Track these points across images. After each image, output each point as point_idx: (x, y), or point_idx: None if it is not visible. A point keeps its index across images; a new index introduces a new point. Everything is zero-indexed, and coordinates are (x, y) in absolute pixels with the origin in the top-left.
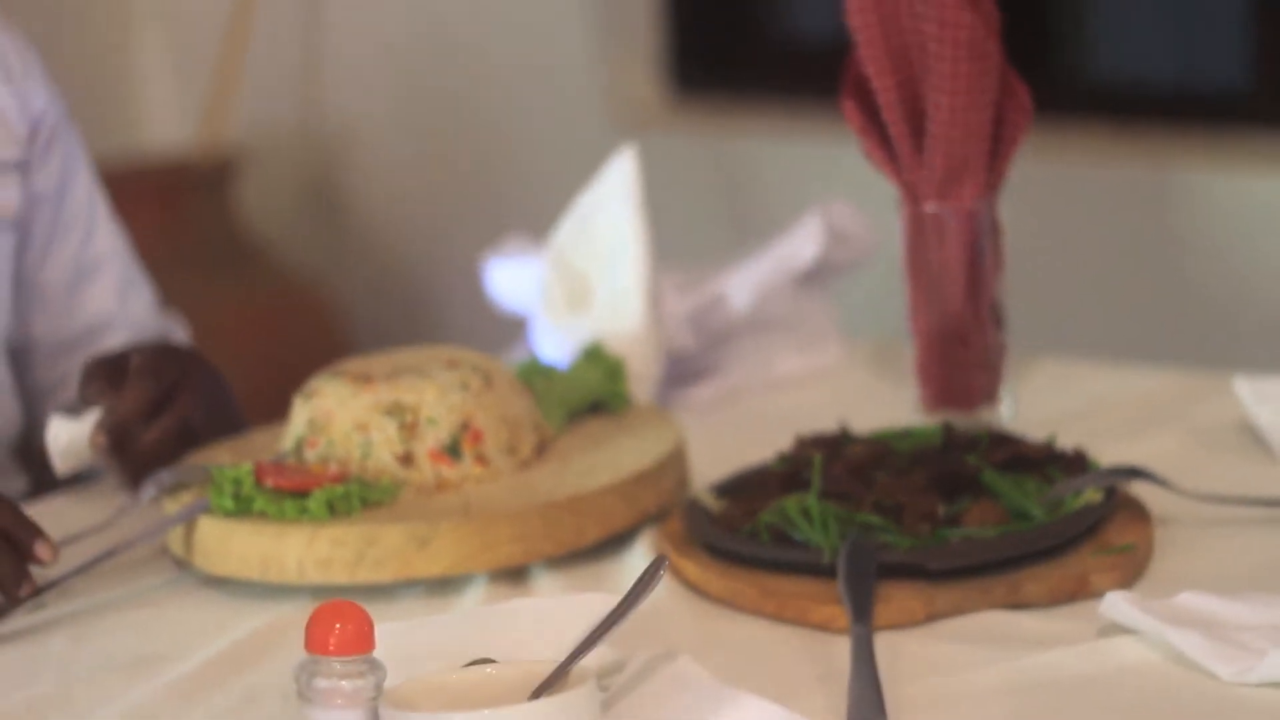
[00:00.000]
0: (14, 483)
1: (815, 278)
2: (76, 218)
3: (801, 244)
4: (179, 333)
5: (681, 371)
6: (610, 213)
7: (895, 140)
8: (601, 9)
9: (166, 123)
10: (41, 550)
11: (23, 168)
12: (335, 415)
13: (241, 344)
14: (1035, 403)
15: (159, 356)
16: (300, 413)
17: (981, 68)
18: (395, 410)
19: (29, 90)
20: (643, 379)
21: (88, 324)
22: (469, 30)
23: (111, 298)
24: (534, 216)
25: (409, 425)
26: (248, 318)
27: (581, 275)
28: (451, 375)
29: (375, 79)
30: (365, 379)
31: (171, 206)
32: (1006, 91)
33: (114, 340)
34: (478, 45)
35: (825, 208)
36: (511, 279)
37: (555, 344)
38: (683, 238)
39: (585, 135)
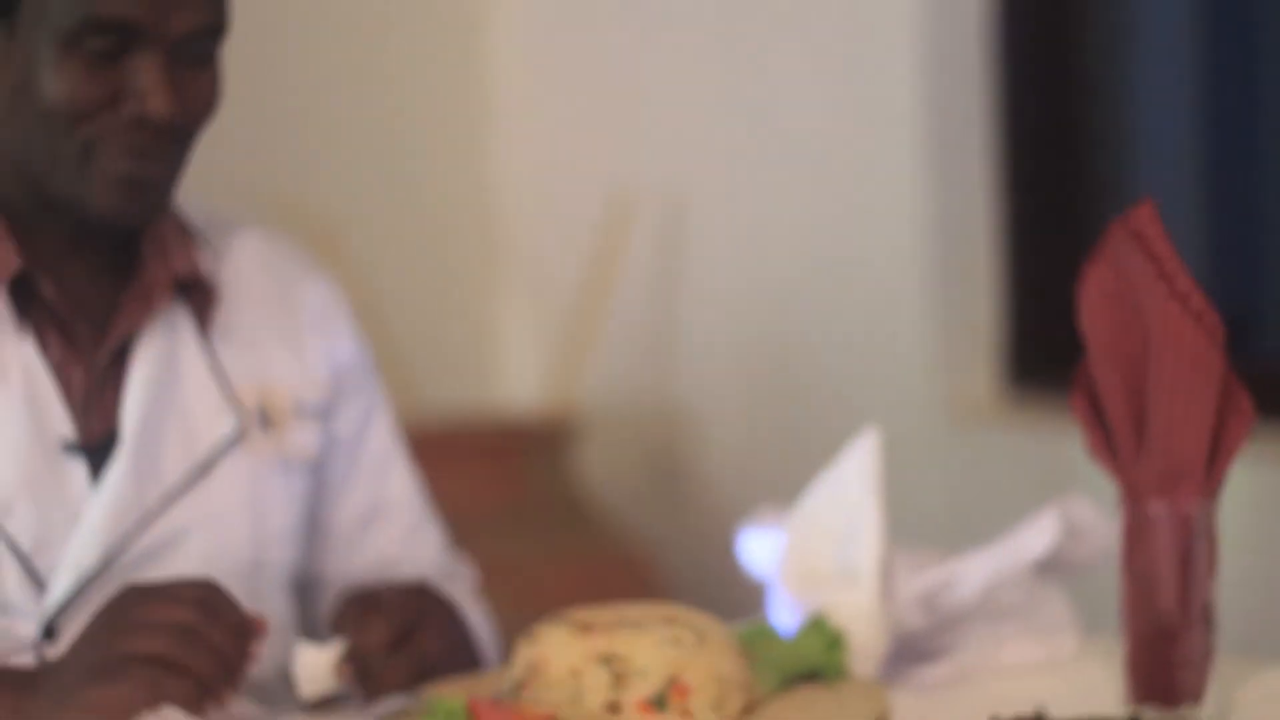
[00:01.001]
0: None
1: (1052, 570)
2: (372, 463)
3: (1035, 536)
4: (463, 576)
5: (911, 651)
6: (849, 492)
7: (1118, 439)
8: (941, 305)
9: (521, 382)
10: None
11: (324, 413)
12: (552, 660)
13: (569, 606)
14: (1248, 711)
15: (406, 595)
16: (522, 655)
17: (1203, 377)
18: (608, 659)
19: (335, 340)
20: (868, 655)
21: (373, 565)
22: (810, 323)
23: (398, 541)
24: None
25: (619, 675)
26: (578, 581)
27: (818, 550)
28: (666, 630)
29: (722, 362)
30: (585, 627)
31: (514, 464)
32: (1228, 398)
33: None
34: (819, 338)
35: (1064, 503)
36: (761, 548)
37: (789, 613)
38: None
39: (922, 432)
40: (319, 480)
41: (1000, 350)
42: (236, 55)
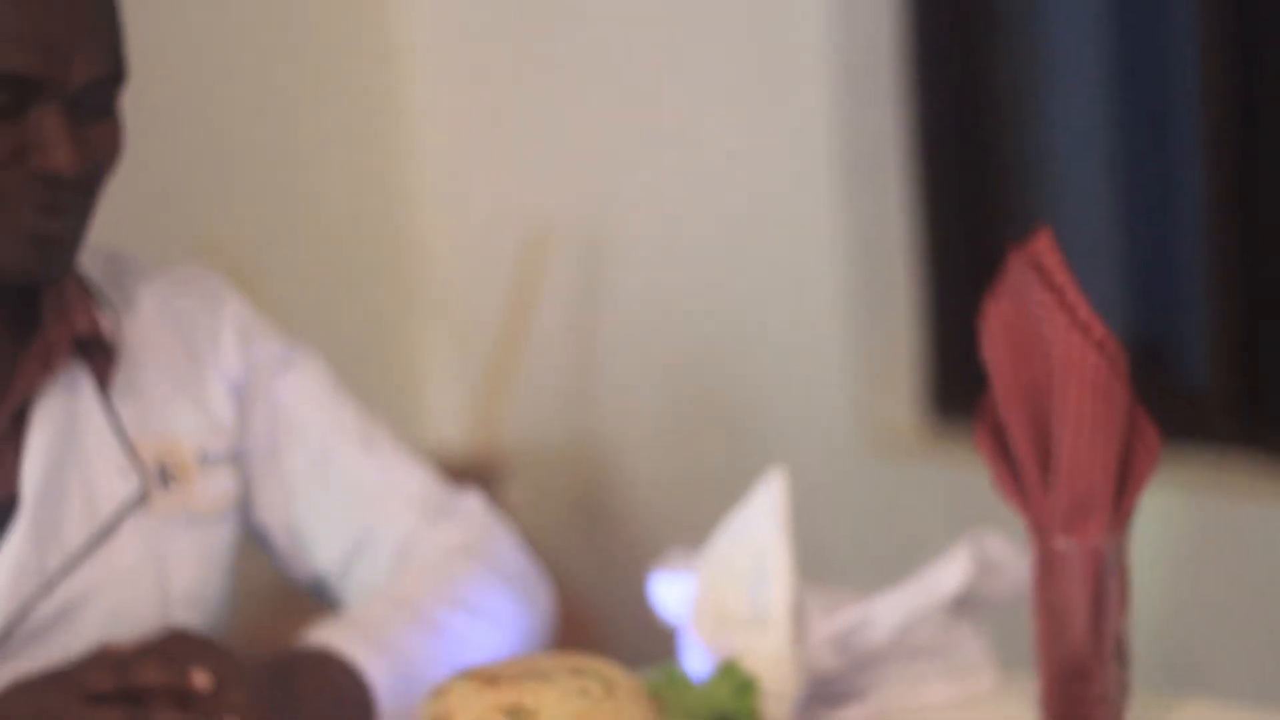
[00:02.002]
0: None
1: (967, 607)
2: (303, 462)
3: (949, 574)
4: (468, 504)
5: (826, 693)
6: (759, 534)
7: (1023, 474)
8: (860, 337)
9: (443, 422)
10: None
11: (235, 455)
12: (458, 713)
13: None
14: None
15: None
16: (428, 709)
17: (1107, 408)
18: (514, 712)
19: (223, 362)
20: (782, 698)
21: (353, 502)
22: (730, 356)
23: (358, 519)
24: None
25: None
26: None
27: (728, 593)
28: (574, 681)
29: (643, 398)
30: (492, 680)
31: None
32: (1135, 430)
33: (384, 548)
34: (739, 371)
35: (977, 539)
36: (672, 592)
37: (700, 658)
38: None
39: (843, 464)
40: (267, 480)
41: (919, 381)
42: (151, 97)
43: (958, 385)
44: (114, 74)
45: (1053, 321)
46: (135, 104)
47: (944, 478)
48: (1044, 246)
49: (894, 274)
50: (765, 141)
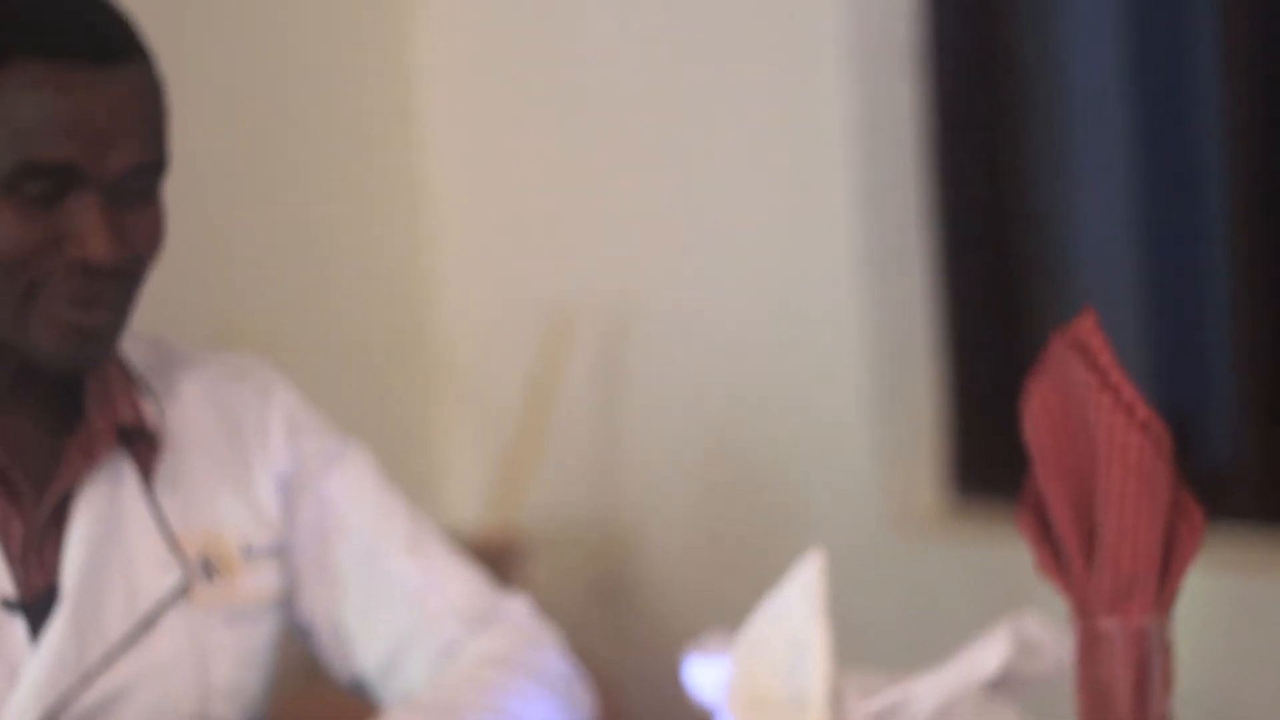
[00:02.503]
0: None
1: (1005, 687)
2: (352, 530)
3: (988, 654)
4: (513, 610)
5: None
6: (795, 616)
7: (1067, 555)
8: (884, 415)
9: (464, 503)
10: None
11: (279, 550)
12: None
13: None
14: None
15: None
16: None
17: (1151, 489)
18: None
19: (270, 454)
20: None
21: (398, 602)
22: (754, 436)
23: (401, 622)
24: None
25: None
26: None
27: (765, 677)
28: None
29: (666, 479)
30: None
31: None
32: (1178, 508)
33: (425, 652)
34: (763, 451)
35: (1016, 620)
36: (707, 676)
37: None
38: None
39: (869, 544)
40: (312, 576)
41: (944, 459)
42: (181, 185)
43: (981, 463)
44: (154, 162)
45: (1096, 403)
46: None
47: (968, 556)
48: (1088, 328)
49: (917, 351)
50: (790, 223)
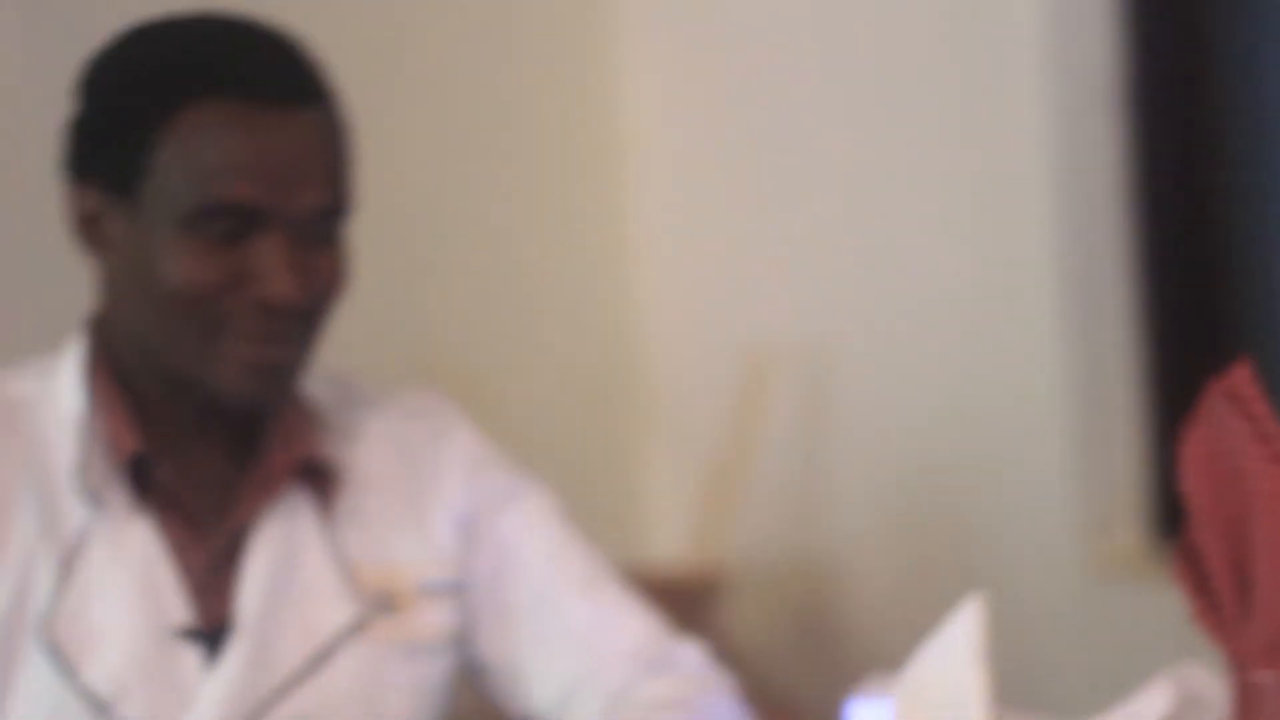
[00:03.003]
0: None
1: None
2: (524, 601)
3: (1150, 704)
4: (687, 656)
5: None
6: (955, 661)
7: (1222, 605)
8: (1084, 457)
9: (667, 538)
10: None
11: (456, 588)
12: None
13: None
14: None
15: None
16: None
17: None
18: None
19: (448, 493)
20: None
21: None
22: (953, 476)
23: (574, 665)
24: (1011, 660)
25: None
26: None
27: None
28: None
29: (866, 517)
30: None
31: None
32: None
33: (596, 697)
34: (962, 492)
35: (1179, 670)
36: (867, 718)
37: None
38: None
39: (1066, 587)
40: (488, 615)
41: (1145, 503)
42: (369, 214)
43: (1182, 509)
44: (338, 205)
45: (1249, 453)
46: (363, 222)
47: (1168, 603)
48: (1242, 378)
49: (1119, 390)
50: (987, 265)
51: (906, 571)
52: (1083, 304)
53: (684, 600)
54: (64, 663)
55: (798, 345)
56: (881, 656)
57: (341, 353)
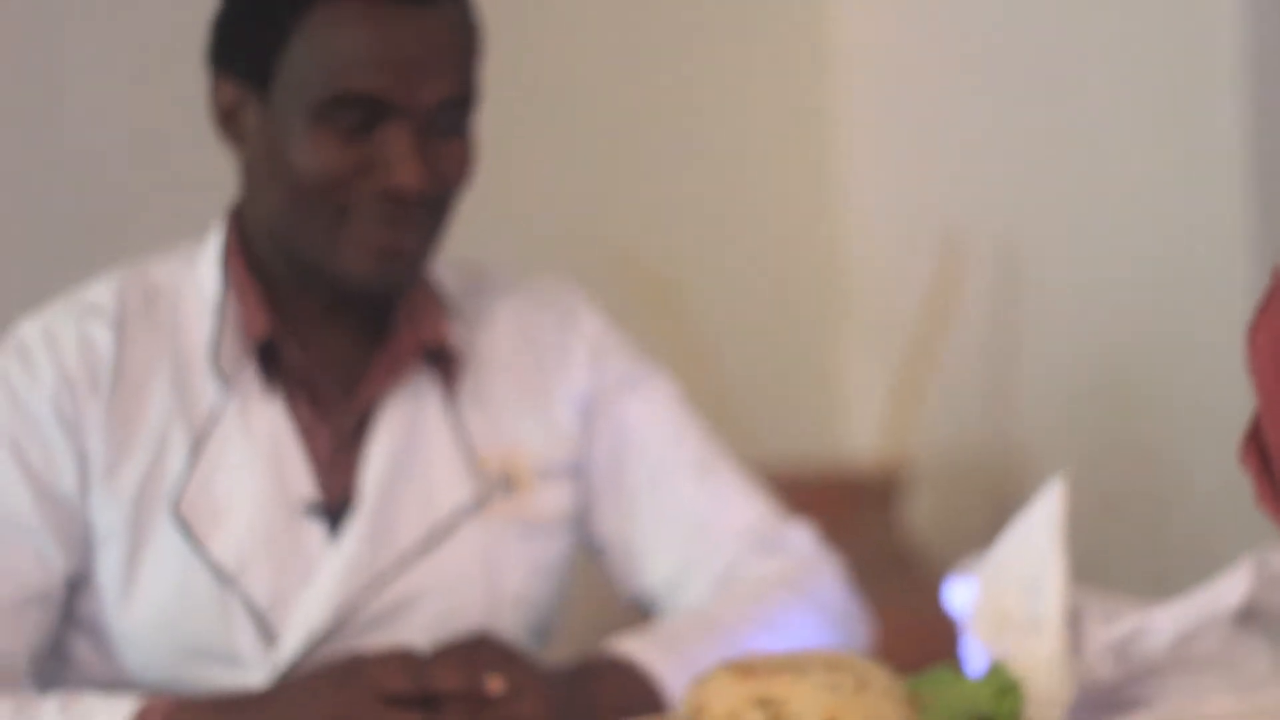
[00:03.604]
0: None
1: (1255, 621)
2: (641, 482)
3: (1230, 586)
4: (797, 538)
5: (1106, 701)
6: (1036, 541)
7: None
8: None
9: (861, 430)
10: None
11: (575, 470)
12: (712, 703)
13: (901, 659)
14: None
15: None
16: (689, 698)
17: None
18: (765, 702)
19: (572, 378)
20: (1053, 704)
21: (680, 527)
22: (1146, 367)
23: (687, 543)
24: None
25: (776, 717)
26: (910, 632)
27: (1007, 598)
28: (826, 675)
29: (1057, 411)
30: (747, 671)
31: (848, 515)
32: None
33: (708, 574)
34: (1155, 384)
35: (1261, 553)
36: (960, 595)
37: (979, 660)
38: None
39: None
40: (606, 496)
41: None
42: (573, 107)
43: None
44: (464, 96)
45: None
46: (556, 115)
47: None
48: None
49: None
50: (1177, 151)
51: (1095, 465)
52: (1271, 193)
53: (872, 493)
54: (192, 535)
55: (990, 234)
56: (1072, 550)
57: (532, 244)
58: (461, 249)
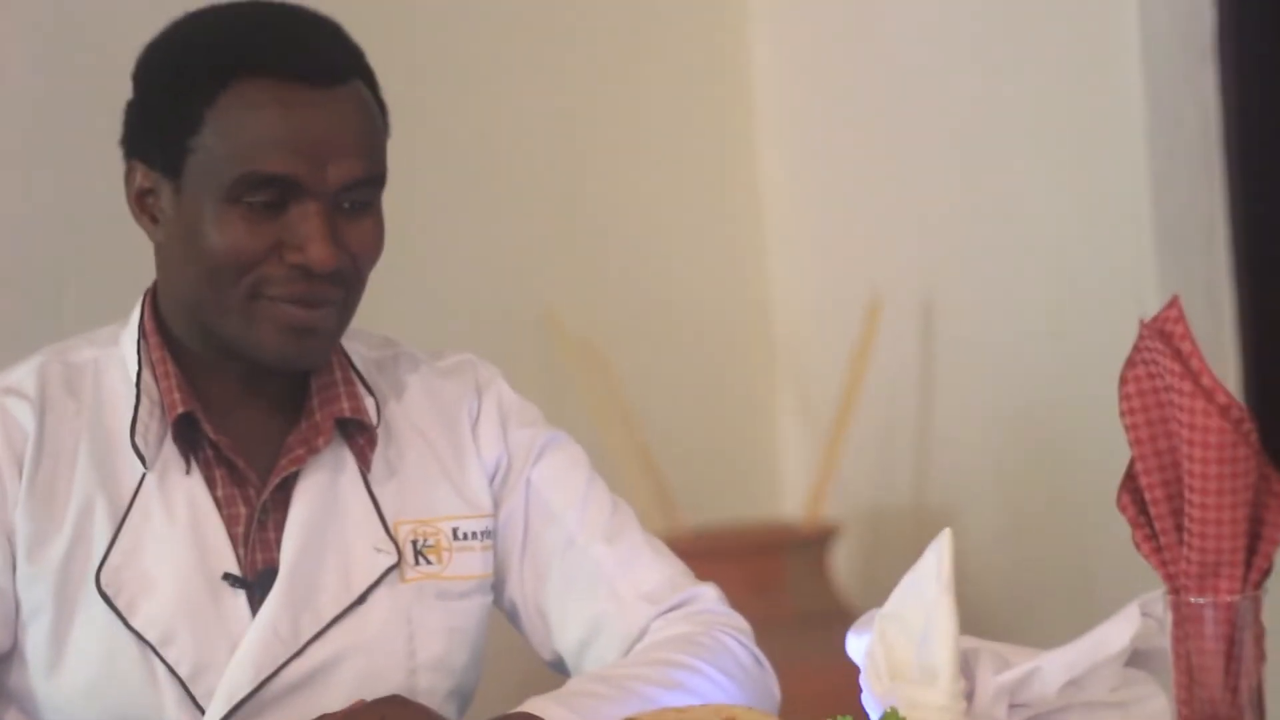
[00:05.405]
0: None
1: (1146, 663)
2: (552, 546)
3: (1118, 630)
4: (703, 599)
5: None
6: (927, 590)
7: (1160, 534)
8: None
9: (792, 489)
10: None
11: (488, 534)
12: None
13: (827, 708)
14: None
15: None
16: None
17: (1232, 470)
18: None
19: (482, 447)
20: None
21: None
22: (1060, 419)
23: (597, 607)
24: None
25: None
26: (837, 684)
27: (900, 648)
28: None
29: (976, 463)
30: None
31: (774, 568)
32: (1268, 491)
33: (616, 637)
34: (1069, 435)
35: (1147, 597)
36: (857, 646)
37: (875, 709)
38: None
39: None
40: (517, 560)
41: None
42: (504, 176)
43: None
44: (372, 176)
45: (1178, 388)
46: (489, 177)
47: None
48: (1172, 316)
49: (1214, 330)
50: (1088, 212)
51: (1014, 515)
52: (1177, 253)
53: (797, 547)
54: (115, 607)
55: (906, 294)
56: (993, 602)
57: (462, 305)
58: (386, 316)
